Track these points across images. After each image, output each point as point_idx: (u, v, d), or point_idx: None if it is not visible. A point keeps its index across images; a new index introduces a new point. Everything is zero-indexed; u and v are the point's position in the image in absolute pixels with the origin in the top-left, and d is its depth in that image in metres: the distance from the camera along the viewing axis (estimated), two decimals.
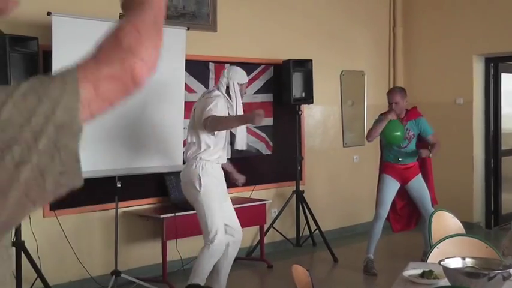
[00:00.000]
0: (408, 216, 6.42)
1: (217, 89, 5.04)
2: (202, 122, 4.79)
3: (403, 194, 6.25)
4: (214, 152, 4.90)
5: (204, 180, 4.80)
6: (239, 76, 5.04)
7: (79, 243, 5.66)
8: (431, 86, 8.43)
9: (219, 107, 4.83)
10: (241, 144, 5.07)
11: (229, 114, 4.97)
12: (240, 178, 5.46)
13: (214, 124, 4.73)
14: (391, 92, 6.19)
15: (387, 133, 5.96)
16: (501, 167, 8.36)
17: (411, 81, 8.43)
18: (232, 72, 5.04)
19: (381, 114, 6.15)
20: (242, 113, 5.06)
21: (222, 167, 5.10)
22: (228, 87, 4.99)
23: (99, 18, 5.08)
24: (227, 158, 5.26)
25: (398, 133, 5.95)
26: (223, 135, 4.96)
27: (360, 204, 8.04)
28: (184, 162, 6.20)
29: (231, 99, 4.96)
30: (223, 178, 5.08)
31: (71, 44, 4.83)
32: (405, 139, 6.03)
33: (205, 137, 4.87)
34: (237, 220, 5.11)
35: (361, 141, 7.69)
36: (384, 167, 6.21)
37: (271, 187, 7.22)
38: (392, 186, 6.12)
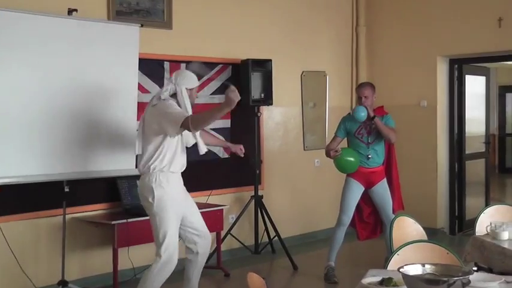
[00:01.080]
0: (374, 223, 6.46)
1: (158, 96, 4.79)
2: (178, 126, 4.57)
3: (368, 200, 6.29)
4: (168, 161, 4.74)
5: (158, 192, 4.68)
6: (187, 81, 4.81)
7: (23, 252, 5.56)
8: (395, 87, 8.53)
9: (176, 106, 4.73)
10: (202, 148, 4.94)
11: None
12: (238, 150, 5.37)
13: (197, 123, 4.55)
14: (360, 86, 6.28)
15: (340, 160, 6.03)
16: (465, 171, 8.49)
17: (374, 83, 8.36)
18: (179, 77, 4.80)
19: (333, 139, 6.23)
20: None
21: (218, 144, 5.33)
22: (175, 94, 4.76)
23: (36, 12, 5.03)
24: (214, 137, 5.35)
25: (352, 159, 6.02)
26: (175, 141, 4.77)
27: (321, 209, 8.09)
28: (137, 166, 6.18)
29: (180, 106, 4.75)
30: (182, 186, 4.94)
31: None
32: (372, 135, 6.08)
33: (157, 146, 4.71)
34: (205, 226, 5.04)
35: (322, 144, 7.73)
36: None
37: (229, 192, 7.22)
38: (356, 191, 6.16)
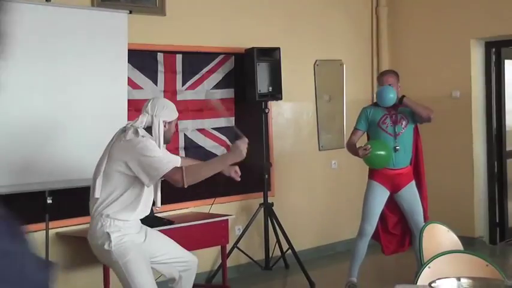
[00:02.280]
0: (401, 234, 6.43)
1: (130, 127, 4.46)
2: (159, 176, 4.33)
3: (394, 207, 6.27)
4: (130, 209, 4.42)
5: (115, 236, 4.35)
6: (167, 112, 4.55)
7: None
8: (422, 76, 8.51)
9: (157, 148, 4.39)
10: (158, 202, 4.71)
11: None
12: (232, 173, 4.94)
13: (193, 177, 4.36)
14: (383, 73, 6.31)
15: (371, 158, 5.99)
16: (506, 171, 8.47)
17: (398, 72, 8.49)
18: (158, 107, 4.52)
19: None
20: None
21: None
22: (150, 127, 4.48)
23: None
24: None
25: (383, 153, 5.99)
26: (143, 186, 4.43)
27: (340, 218, 8.08)
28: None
29: None
30: (140, 226, 4.60)
31: None
32: (399, 125, 6.07)
33: (119, 190, 4.38)
34: (182, 249, 4.84)
35: (340, 143, 7.74)
36: (372, 172, 6.22)
37: (234, 200, 7.23)
38: (381, 196, 6.14)
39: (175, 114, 4.64)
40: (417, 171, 6.33)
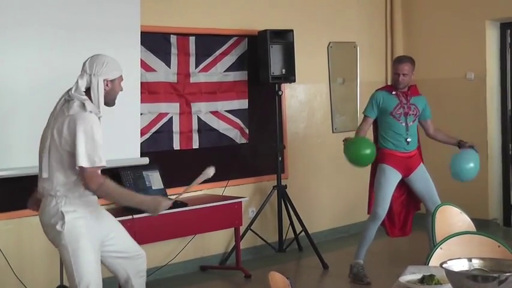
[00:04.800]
0: (404, 219, 6.43)
1: (73, 97, 4.02)
2: (74, 167, 3.95)
3: (398, 192, 6.28)
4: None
5: (69, 217, 4.02)
6: (108, 69, 4.08)
7: (16, 254, 5.64)
8: (436, 58, 8.48)
9: (99, 136, 3.97)
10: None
11: None
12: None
13: (105, 193, 4.04)
14: (398, 61, 6.15)
15: (352, 150, 5.97)
16: None
17: (412, 53, 8.39)
18: (97, 64, 4.06)
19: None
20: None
21: None
22: (89, 90, 4.05)
23: None
24: None
25: (368, 151, 5.91)
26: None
27: (354, 200, 8.08)
28: (142, 155, 6.21)
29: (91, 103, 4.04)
30: (96, 205, 4.25)
31: None
32: (411, 115, 6.06)
33: (72, 167, 3.99)
34: (134, 243, 4.44)
35: (353, 126, 7.72)
36: (383, 156, 6.13)
37: (248, 182, 7.25)
38: (393, 179, 6.11)
39: (119, 72, 4.15)
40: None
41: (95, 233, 4.11)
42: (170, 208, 4.36)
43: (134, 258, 4.37)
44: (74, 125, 3.91)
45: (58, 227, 4.01)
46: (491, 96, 8.27)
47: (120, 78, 4.17)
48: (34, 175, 5.39)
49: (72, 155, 3.93)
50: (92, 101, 4.01)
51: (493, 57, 8.29)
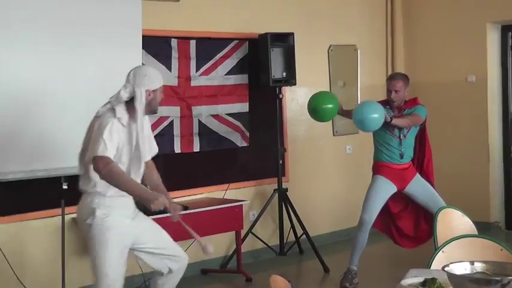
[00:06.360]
0: (414, 229, 6.41)
1: (112, 105, 4.26)
2: (90, 159, 4.19)
3: (399, 205, 6.31)
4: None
5: (99, 212, 4.22)
6: (149, 80, 4.29)
7: (18, 257, 5.64)
8: (437, 61, 8.49)
9: (114, 139, 4.17)
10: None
11: (130, 141, 4.29)
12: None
13: (110, 177, 4.13)
14: (391, 78, 6.22)
15: (315, 104, 6.12)
16: None
17: (413, 56, 8.49)
18: (138, 76, 4.28)
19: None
20: (148, 133, 4.45)
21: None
22: (133, 99, 4.24)
23: None
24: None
25: (330, 105, 6.02)
26: (126, 158, 4.31)
27: (355, 203, 8.01)
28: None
29: (135, 115, 4.24)
30: (133, 209, 4.45)
31: None
32: (404, 128, 6.06)
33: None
34: (173, 243, 4.58)
35: (354, 129, 7.72)
36: (378, 168, 6.22)
37: (249, 185, 7.26)
38: (385, 189, 6.14)
39: (159, 82, 4.37)
40: (426, 173, 6.32)
41: (126, 229, 4.31)
42: (166, 211, 4.46)
43: (176, 259, 4.52)
44: (97, 125, 4.19)
45: (89, 221, 4.23)
46: (492, 99, 8.28)
47: (161, 88, 4.40)
48: (35, 179, 5.42)
49: None
50: (135, 110, 4.21)
51: (494, 60, 8.30)
